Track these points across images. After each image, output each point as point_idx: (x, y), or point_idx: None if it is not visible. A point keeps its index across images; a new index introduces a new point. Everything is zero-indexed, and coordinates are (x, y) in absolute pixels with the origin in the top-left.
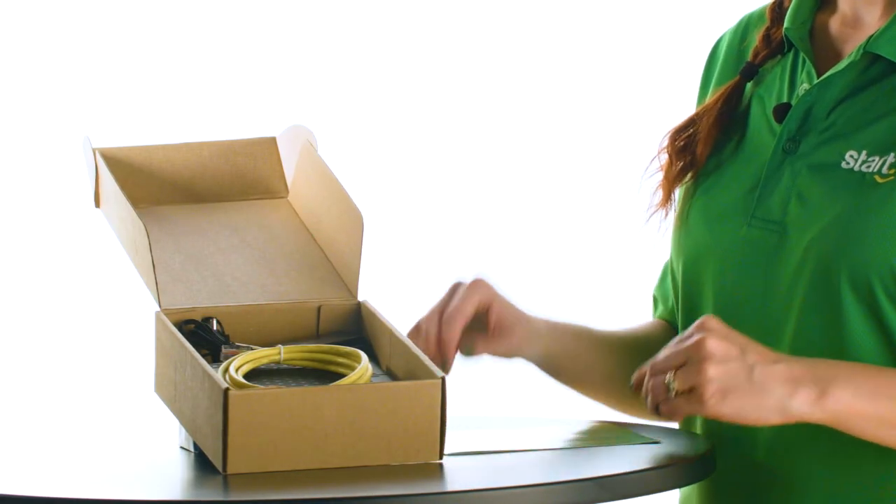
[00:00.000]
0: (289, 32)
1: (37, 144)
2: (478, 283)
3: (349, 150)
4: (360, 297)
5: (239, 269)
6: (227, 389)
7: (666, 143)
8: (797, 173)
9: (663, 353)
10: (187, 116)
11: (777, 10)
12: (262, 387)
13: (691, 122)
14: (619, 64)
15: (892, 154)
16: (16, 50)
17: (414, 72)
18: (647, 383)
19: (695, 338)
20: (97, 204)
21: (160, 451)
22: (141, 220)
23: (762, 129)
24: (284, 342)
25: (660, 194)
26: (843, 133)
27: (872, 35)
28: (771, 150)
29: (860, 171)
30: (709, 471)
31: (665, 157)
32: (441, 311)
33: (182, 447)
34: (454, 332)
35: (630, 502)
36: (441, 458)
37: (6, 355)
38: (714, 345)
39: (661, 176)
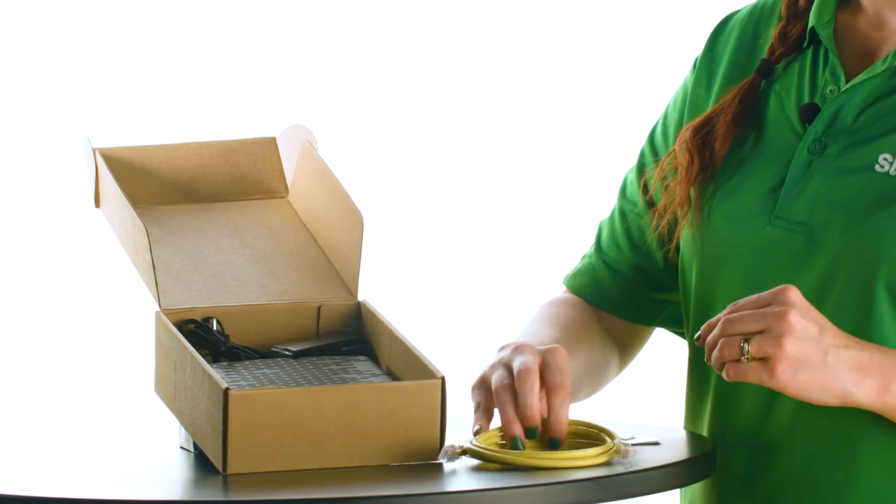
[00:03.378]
0: (289, 32)
1: (37, 144)
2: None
3: (349, 150)
4: (360, 297)
5: (239, 269)
6: (227, 389)
7: (686, 140)
8: (825, 175)
9: (740, 314)
10: (187, 116)
11: (792, 8)
12: (261, 387)
13: (708, 120)
14: (617, 64)
15: None
16: (16, 50)
17: (414, 72)
18: (717, 339)
19: (777, 308)
20: (97, 204)
21: (160, 451)
22: (141, 220)
23: (783, 128)
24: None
25: (675, 193)
26: (873, 136)
27: None
28: (795, 151)
29: (894, 175)
30: (709, 471)
31: (682, 155)
32: (511, 385)
33: (182, 447)
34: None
35: (630, 502)
36: (441, 458)
37: (6, 355)
38: (797, 319)
39: (666, 174)
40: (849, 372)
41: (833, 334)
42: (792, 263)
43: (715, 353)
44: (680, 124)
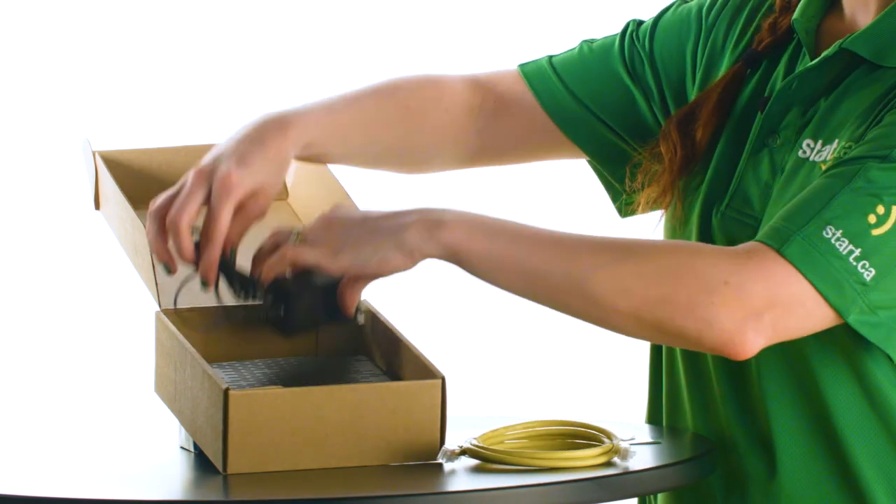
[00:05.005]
0: (288, 32)
1: (37, 145)
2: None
3: None
4: (360, 297)
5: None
6: (227, 389)
7: (670, 130)
8: (776, 165)
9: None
10: (187, 119)
11: (786, 2)
12: (261, 387)
13: (692, 110)
14: None
15: (836, 140)
16: (16, 50)
17: (413, 72)
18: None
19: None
20: (97, 206)
21: (160, 451)
22: (141, 221)
23: (753, 118)
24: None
25: (661, 183)
26: (812, 125)
27: (853, 33)
28: (753, 141)
29: (812, 161)
30: (709, 471)
31: (666, 146)
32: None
33: (182, 447)
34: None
35: (630, 502)
36: (441, 458)
37: (6, 355)
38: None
39: (654, 165)
40: (391, 230)
41: (365, 217)
42: None
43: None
44: (680, 48)
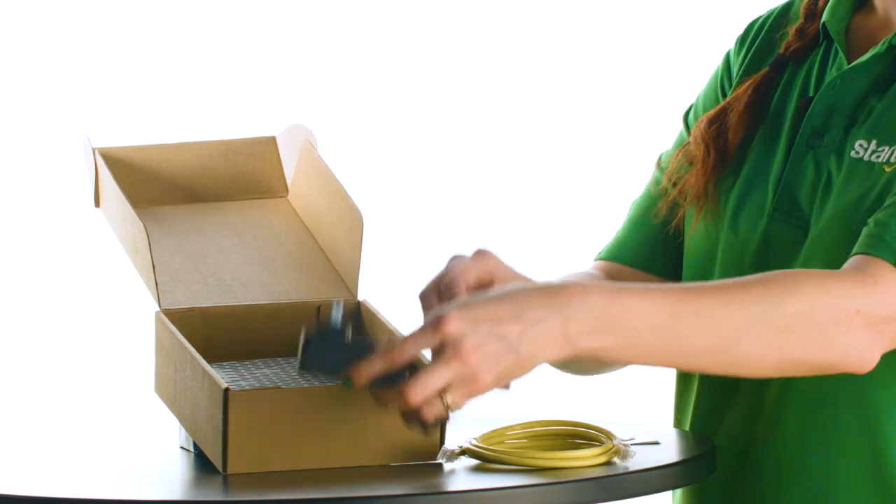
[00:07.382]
0: (289, 32)
1: (37, 144)
2: (481, 254)
3: (349, 150)
4: (360, 297)
5: (239, 269)
6: (227, 389)
7: (700, 132)
8: (821, 166)
9: (426, 377)
10: (187, 116)
11: (812, 7)
12: (261, 387)
13: (722, 111)
14: (618, 64)
15: None
16: (16, 50)
17: (414, 72)
18: (419, 408)
19: (449, 350)
20: (97, 204)
21: (160, 451)
22: (141, 220)
23: (789, 122)
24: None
25: (690, 186)
26: (860, 125)
27: None
28: (795, 143)
29: (869, 161)
30: (709, 471)
31: (698, 147)
32: (438, 283)
33: (182, 447)
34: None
35: (630, 502)
36: (441, 458)
37: (6, 355)
38: (473, 348)
39: (686, 166)
40: (544, 347)
41: (511, 321)
42: (789, 255)
43: (421, 415)
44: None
